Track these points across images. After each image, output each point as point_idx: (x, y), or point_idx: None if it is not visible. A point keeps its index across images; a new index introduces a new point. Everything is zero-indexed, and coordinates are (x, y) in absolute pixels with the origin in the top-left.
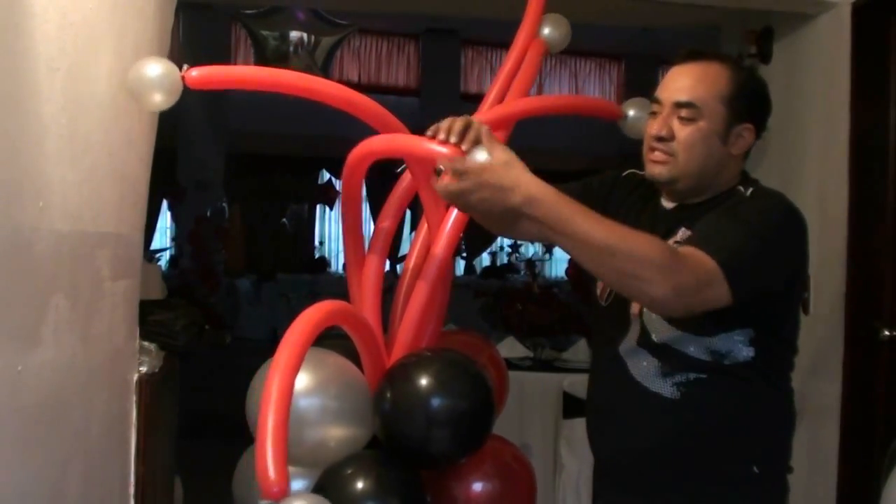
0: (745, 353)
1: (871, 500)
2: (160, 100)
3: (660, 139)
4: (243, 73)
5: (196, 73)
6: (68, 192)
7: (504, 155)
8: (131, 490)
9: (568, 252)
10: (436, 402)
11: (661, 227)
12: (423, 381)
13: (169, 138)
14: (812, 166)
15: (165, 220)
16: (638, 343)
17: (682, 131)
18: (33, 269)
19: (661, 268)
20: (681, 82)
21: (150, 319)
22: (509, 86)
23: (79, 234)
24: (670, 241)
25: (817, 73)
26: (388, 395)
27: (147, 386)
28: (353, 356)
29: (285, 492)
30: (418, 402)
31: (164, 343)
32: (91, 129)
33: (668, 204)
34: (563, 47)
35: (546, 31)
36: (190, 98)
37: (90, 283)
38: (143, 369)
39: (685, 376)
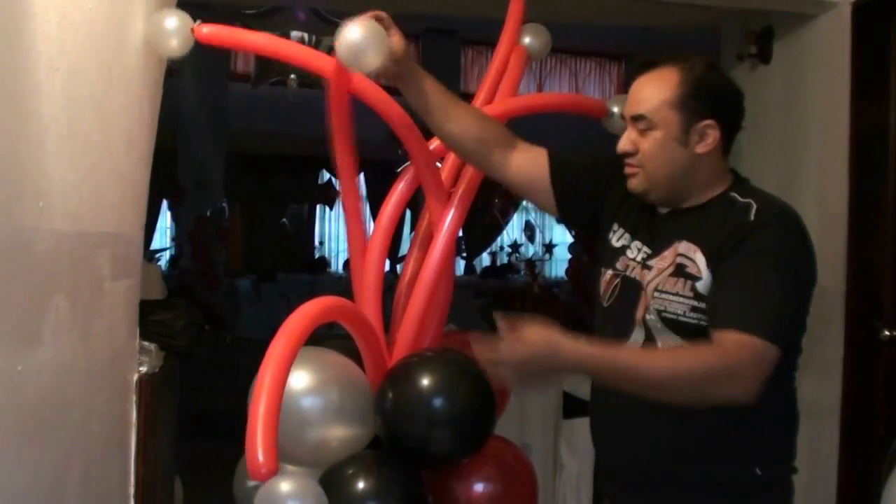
0: None
1: (871, 500)
2: (175, 45)
3: (626, 154)
4: (247, 38)
5: (206, 30)
6: (68, 192)
7: (537, 338)
8: (131, 490)
9: (632, 392)
10: (437, 402)
11: (660, 234)
12: (425, 381)
13: (169, 138)
14: (812, 166)
15: (165, 220)
16: (642, 346)
17: (642, 144)
18: (33, 269)
19: (719, 378)
20: (634, 95)
21: (150, 319)
22: (495, 90)
23: (79, 234)
24: (664, 253)
25: (817, 73)
26: (390, 395)
27: (147, 386)
28: (355, 356)
29: (273, 473)
30: (420, 402)
31: (164, 343)
32: (91, 129)
33: (662, 209)
34: (543, 55)
35: (526, 39)
36: (190, 98)
37: (90, 283)
38: (143, 369)
39: None
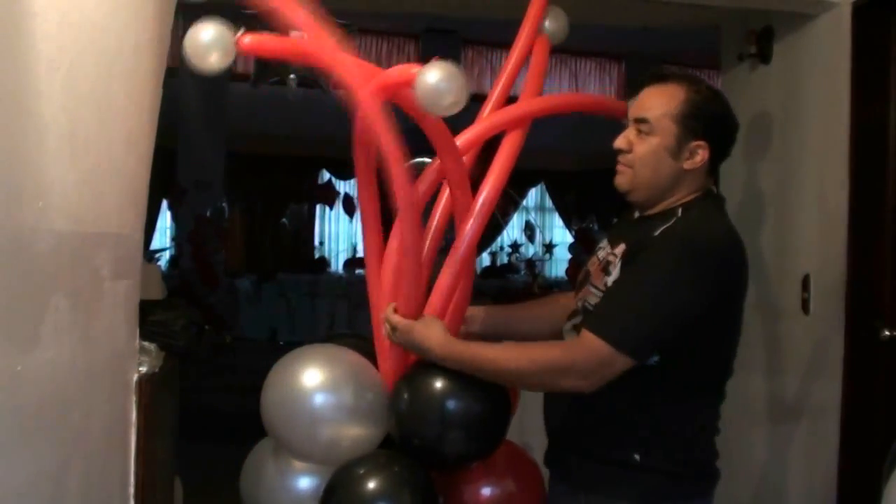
0: (651, 358)
1: (871, 500)
2: (216, 60)
3: (619, 151)
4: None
5: (249, 40)
6: (68, 192)
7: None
8: (131, 490)
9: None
10: (451, 403)
11: (619, 235)
12: (440, 383)
13: (169, 138)
14: (812, 166)
15: (165, 220)
16: (573, 326)
17: (638, 145)
18: (33, 269)
19: (559, 372)
20: (641, 101)
21: (150, 319)
22: (513, 83)
23: (79, 234)
24: (611, 251)
25: (817, 73)
26: (405, 395)
27: (147, 386)
28: (370, 354)
29: None
30: (434, 402)
31: (164, 343)
32: (91, 129)
33: (633, 216)
34: (561, 40)
35: (546, 23)
36: (190, 98)
37: (90, 283)
38: (143, 369)
39: None
